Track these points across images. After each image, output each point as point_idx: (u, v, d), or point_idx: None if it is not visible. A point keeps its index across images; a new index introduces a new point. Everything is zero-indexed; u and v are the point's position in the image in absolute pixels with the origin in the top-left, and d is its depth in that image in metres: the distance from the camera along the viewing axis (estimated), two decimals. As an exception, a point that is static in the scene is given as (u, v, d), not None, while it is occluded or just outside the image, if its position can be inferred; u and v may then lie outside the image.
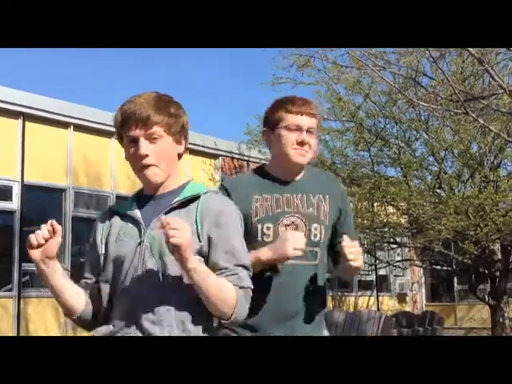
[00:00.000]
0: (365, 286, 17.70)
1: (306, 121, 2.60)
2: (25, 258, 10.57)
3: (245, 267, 2.10)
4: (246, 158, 14.15)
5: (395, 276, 18.81)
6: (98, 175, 11.87)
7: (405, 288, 19.05)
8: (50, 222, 2.02)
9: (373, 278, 17.80)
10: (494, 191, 11.56)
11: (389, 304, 18.38)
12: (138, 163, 2.11)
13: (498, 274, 12.78)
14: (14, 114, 10.86)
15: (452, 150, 12.16)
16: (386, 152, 12.69)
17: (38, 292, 10.67)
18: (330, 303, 15.58)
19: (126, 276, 2.07)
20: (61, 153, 11.39)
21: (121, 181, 11.95)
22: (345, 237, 2.51)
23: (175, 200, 2.11)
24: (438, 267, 15.56)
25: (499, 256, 12.97)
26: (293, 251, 2.44)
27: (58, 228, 2.01)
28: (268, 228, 2.57)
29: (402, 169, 12.23)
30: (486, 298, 13.11)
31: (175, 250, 1.90)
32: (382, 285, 18.55)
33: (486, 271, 12.82)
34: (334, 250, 2.71)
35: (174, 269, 2.02)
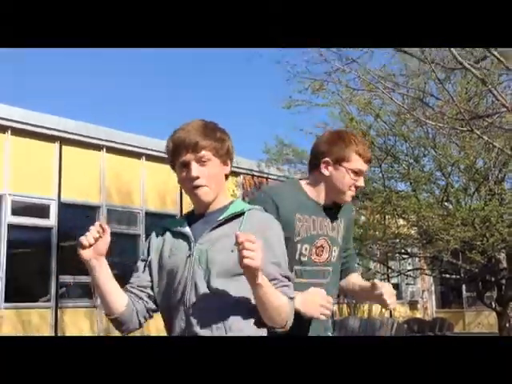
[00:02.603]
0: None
1: (367, 167, 2.64)
2: (61, 270, 10.64)
3: (289, 278, 2.17)
4: (265, 176, 14.15)
5: (407, 284, 18.68)
6: (129, 193, 11.93)
7: (416, 296, 18.91)
8: (98, 223, 2.09)
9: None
10: (499, 203, 11.46)
11: (401, 311, 18.25)
12: (189, 185, 2.18)
13: (503, 281, 12.63)
14: (52, 139, 10.98)
15: (458, 166, 12.07)
16: (396, 168, 12.64)
17: (74, 303, 10.72)
18: (345, 310, 15.48)
19: (178, 286, 2.13)
20: (94, 173, 11.47)
21: (150, 198, 12.01)
22: (380, 282, 2.56)
23: (222, 217, 2.17)
24: (447, 276, 15.42)
25: (505, 264, 12.82)
26: (320, 316, 2.42)
27: (107, 228, 2.08)
28: (306, 249, 2.57)
29: (411, 183, 12.16)
30: (493, 305, 12.95)
31: (247, 270, 1.91)
32: (394, 293, 18.38)
33: (493, 279, 12.68)
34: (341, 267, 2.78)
35: (219, 278, 2.06)
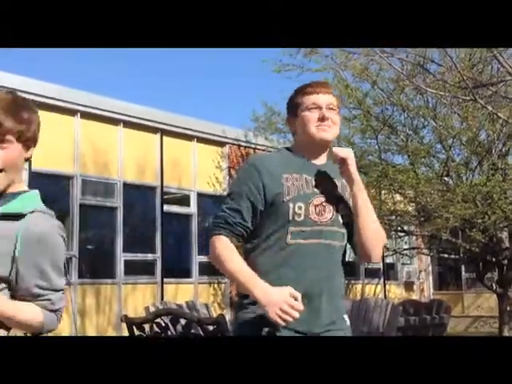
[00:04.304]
0: (372, 274, 17.71)
1: (323, 98, 2.69)
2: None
3: (56, 290, 2.12)
4: (252, 146, 14.13)
5: (402, 264, 18.81)
6: (106, 163, 11.88)
7: (412, 276, 19.05)
8: None
9: (380, 266, 17.81)
10: (502, 179, 11.53)
11: (396, 292, 18.40)
12: None
13: (505, 262, 12.74)
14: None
15: (460, 138, 12.11)
16: (394, 139, 12.66)
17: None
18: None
19: None
20: (68, 140, 11.40)
21: (128, 168, 11.98)
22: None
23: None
24: (446, 255, 15.56)
25: (507, 244, 12.93)
26: (275, 318, 2.36)
27: None
28: (300, 207, 2.58)
29: (409, 156, 12.20)
30: (494, 287, 13.09)
31: None
32: (389, 273, 18.56)
33: (494, 259, 12.79)
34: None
35: None
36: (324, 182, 2.67)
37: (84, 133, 11.51)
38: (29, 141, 2.15)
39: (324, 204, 2.62)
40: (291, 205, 2.56)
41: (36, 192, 2.22)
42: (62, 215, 10.47)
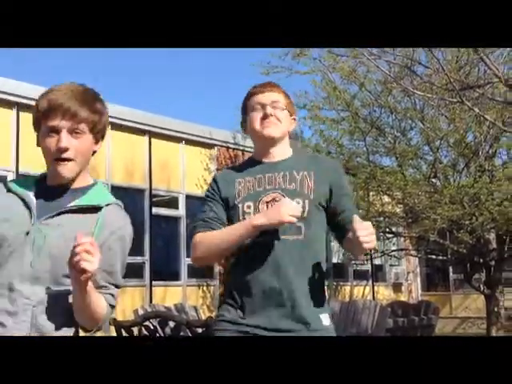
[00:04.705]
0: (360, 275, 17.75)
1: (266, 96, 2.73)
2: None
3: (118, 287, 2.16)
4: (241, 148, 14.12)
5: (391, 265, 18.84)
6: (93, 165, 11.84)
7: (400, 277, 19.09)
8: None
9: (368, 267, 17.86)
10: (489, 181, 11.58)
11: (384, 293, 18.44)
12: (55, 154, 2.09)
13: (493, 263, 12.80)
14: (9, 104, 10.84)
15: (447, 139, 12.14)
16: (382, 141, 12.69)
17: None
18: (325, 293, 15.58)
19: (6, 262, 2.02)
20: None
21: (116, 170, 11.95)
22: (355, 217, 2.42)
23: (74, 203, 2.11)
24: (434, 257, 15.59)
25: (494, 245, 13.00)
26: (288, 217, 2.46)
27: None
28: (248, 206, 2.62)
29: (397, 158, 12.23)
30: (482, 288, 13.14)
31: (80, 273, 1.87)
32: (377, 274, 18.60)
33: (481, 261, 12.85)
34: (337, 229, 2.70)
35: (62, 264, 1.98)
36: (278, 178, 2.67)
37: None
38: (99, 133, 2.18)
39: (277, 199, 2.60)
40: (240, 205, 2.62)
41: (103, 183, 2.27)
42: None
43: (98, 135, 2.19)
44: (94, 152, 2.21)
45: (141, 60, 41.41)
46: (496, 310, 12.72)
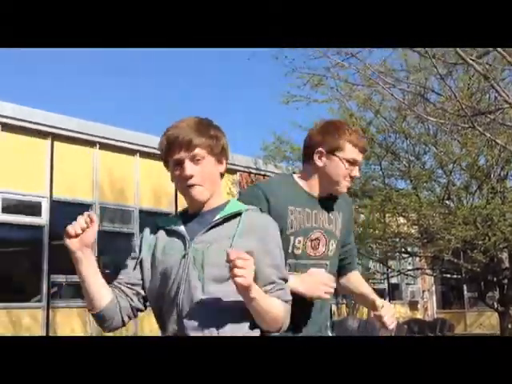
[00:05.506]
0: (377, 293, 17.40)
1: (361, 157, 2.65)
2: (54, 270, 10.62)
3: (286, 280, 2.17)
4: (262, 173, 14.12)
5: (407, 284, 18.69)
6: (122, 191, 11.90)
7: (416, 296, 18.92)
8: (86, 213, 2.08)
9: (385, 286, 17.71)
10: (501, 202, 11.47)
11: (401, 311, 18.25)
12: (183, 184, 2.17)
13: (506, 281, 12.63)
14: (44, 134, 10.95)
15: (460, 163, 12.06)
16: (397, 165, 12.62)
17: (66, 302, 10.70)
18: (344, 310, 15.49)
19: (172, 286, 2.12)
20: (87, 170, 11.44)
21: (144, 195, 11.99)
22: (381, 302, 2.61)
23: (217, 217, 2.17)
24: (448, 275, 15.43)
25: (507, 264, 12.82)
26: (323, 294, 2.48)
27: (95, 218, 2.07)
28: (299, 241, 2.57)
29: (411, 181, 12.16)
30: (495, 305, 12.95)
31: (239, 287, 1.93)
32: (394, 293, 18.44)
33: (495, 279, 12.67)
34: (340, 262, 2.78)
35: (215, 280, 2.07)
36: (322, 216, 2.64)
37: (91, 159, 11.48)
38: (219, 155, 2.21)
39: (320, 238, 2.61)
40: (292, 238, 2.55)
41: (237, 200, 2.34)
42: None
43: (220, 157, 2.22)
44: (222, 173, 2.25)
45: (163, 88, 41.75)
46: (510, 326, 12.52)
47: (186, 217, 2.24)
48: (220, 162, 2.23)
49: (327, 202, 2.68)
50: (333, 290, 2.51)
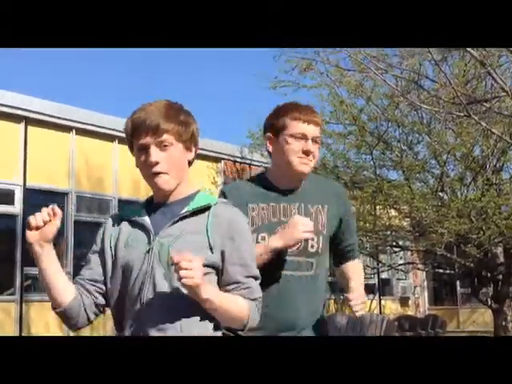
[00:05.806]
0: (367, 289, 17.37)
1: (311, 129, 2.56)
2: (27, 262, 10.45)
3: (255, 277, 2.14)
4: (248, 162, 14.04)
5: (398, 279, 18.75)
6: (100, 179, 11.74)
7: (407, 291, 18.98)
8: (51, 206, 2.03)
9: (375, 281, 17.72)
10: (496, 194, 11.48)
11: (391, 307, 18.29)
12: (148, 171, 2.13)
13: (500, 277, 12.69)
14: (17, 118, 10.76)
15: (454, 153, 12.07)
16: (388, 155, 12.66)
17: (40, 296, 10.55)
18: (332, 306, 15.46)
19: (135, 282, 2.08)
20: (63, 156, 11.27)
21: (123, 184, 11.83)
22: (350, 294, 2.56)
23: (185, 210, 2.13)
24: (441, 271, 15.51)
25: (502, 259, 12.86)
26: (302, 234, 2.42)
27: (59, 212, 2.03)
28: (263, 238, 2.52)
29: (404, 172, 12.18)
30: (489, 302, 12.98)
31: (187, 289, 1.93)
32: (384, 288, 18.47)
33: (489, 274, 12.74)
34: (336, 257, 2.76)
35: None
36: (294, 209, 2.58)
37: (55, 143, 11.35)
38: (188, 142, 2.16)
39: None
40: (254, 235, 2.48)
41: (205, 191, 2.30)
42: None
43: (188, 144, 2.17)
44: (191, 161, 2.21)
45: (146, 74, 41.59)
46: (503, 323, 12.54)
47: (151, 207, 2.20)
48: (189, 149, 2.18)
49: (304, 194, 2.62)
50: (311, 228, 2.45)
